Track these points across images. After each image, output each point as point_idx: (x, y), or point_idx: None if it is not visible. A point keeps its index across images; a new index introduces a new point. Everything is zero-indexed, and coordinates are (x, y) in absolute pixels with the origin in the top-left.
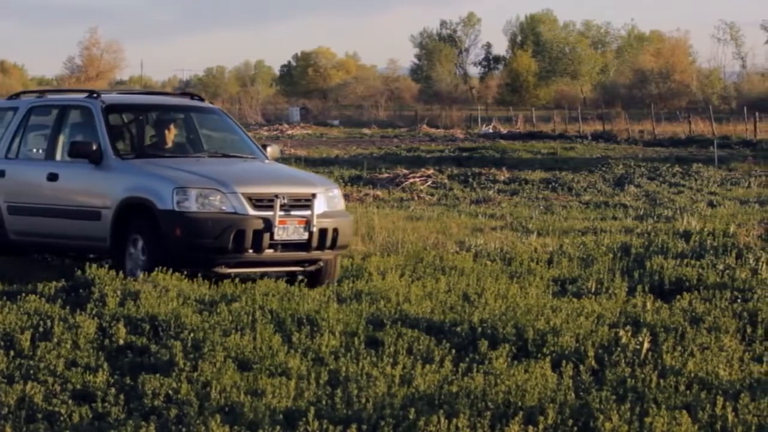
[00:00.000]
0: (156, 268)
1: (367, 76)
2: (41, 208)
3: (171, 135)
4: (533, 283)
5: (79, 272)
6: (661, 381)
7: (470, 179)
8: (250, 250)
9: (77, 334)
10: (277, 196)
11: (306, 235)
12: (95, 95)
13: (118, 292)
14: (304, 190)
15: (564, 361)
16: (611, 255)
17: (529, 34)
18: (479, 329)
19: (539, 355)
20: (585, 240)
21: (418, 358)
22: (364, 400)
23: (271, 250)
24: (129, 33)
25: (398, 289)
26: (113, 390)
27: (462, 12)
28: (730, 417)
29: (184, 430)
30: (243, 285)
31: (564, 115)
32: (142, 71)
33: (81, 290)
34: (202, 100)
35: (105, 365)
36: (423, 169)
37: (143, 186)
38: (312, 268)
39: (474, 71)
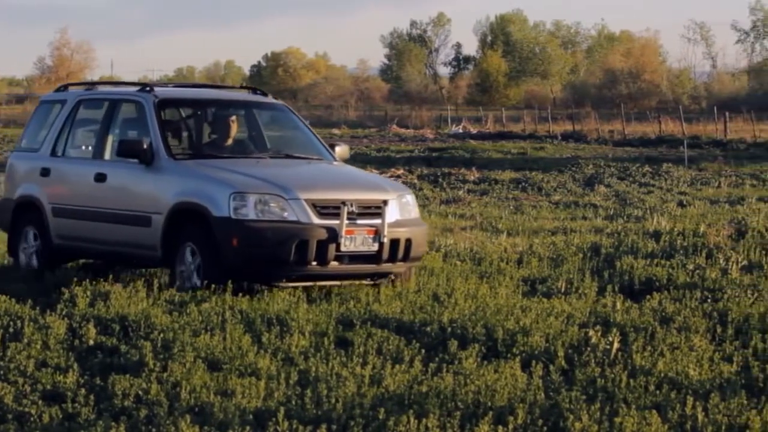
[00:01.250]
0: (211, 284)
1: (337, 77)
2: (87, 210)
3: (230, 133)
4: (503, 283)
5: (49, 273)
6: (631, 381)
7: (440, 179)
8: (314, 263)
9: (47, 334)
10: (344, 203)
11: (376, 246)
12: (148, 89)
13: (88, 293)
14: (374, 197)
15: (534, 361)
16: (581, 255)
17: (499, 34)
18: (449, 329)
19: (509, 355)
20: (555, 240)
21: (387, 358)
22: (333, 400)
23: (336, 263)
24: (99, 33)
25: (368, 289)
26: (83, 390)
27: (432, 12)
28: (700, 417)
29: (154, 430)
30: (212, 284)
31: (534, 115)
32: (112, 71)
33: (51, 291)
34: (264, 94)
35: (75, 366)
36: (393, 170)
37: (197, 190)
38: (381, 282)
39: (444, 71)
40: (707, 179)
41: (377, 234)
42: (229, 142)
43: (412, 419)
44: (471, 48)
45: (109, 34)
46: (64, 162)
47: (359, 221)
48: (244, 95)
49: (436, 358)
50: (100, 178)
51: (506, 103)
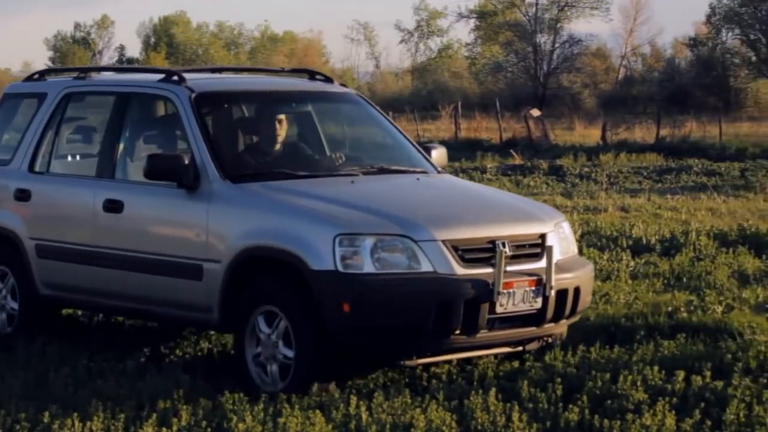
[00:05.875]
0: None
1: (2, 80)
2: (94, 252)
3: (286, 137)
4: None
5: None
6: None
7: None
8: (458, 331)
9: None
10: (494, 242)
11: (539, 303)
12: (175, 78)
13: None
14: (530, 230)
15: (197, 363)
16: None
17: (163, 36)
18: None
19: (173, 357)
20: None
21: (50, 362)
22: None
23: (485, 329)
24: None
25: None
26: None
27: (96, 14)
28: (364, 416)
29: None
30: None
31: None
32: None
33: None
34: (329, 80)
35: None
36: None
37: (278, 229)
38: (533, 346)
39: None
40: None
41: (540, 284)
42: (298, 153)
43: (77, 422)
44: (135, 50)
45: None
46: (52, 181)
47: (512, 267)
48: (304, 83)
49: (100, 362)
50: (114, 206)
51: None
